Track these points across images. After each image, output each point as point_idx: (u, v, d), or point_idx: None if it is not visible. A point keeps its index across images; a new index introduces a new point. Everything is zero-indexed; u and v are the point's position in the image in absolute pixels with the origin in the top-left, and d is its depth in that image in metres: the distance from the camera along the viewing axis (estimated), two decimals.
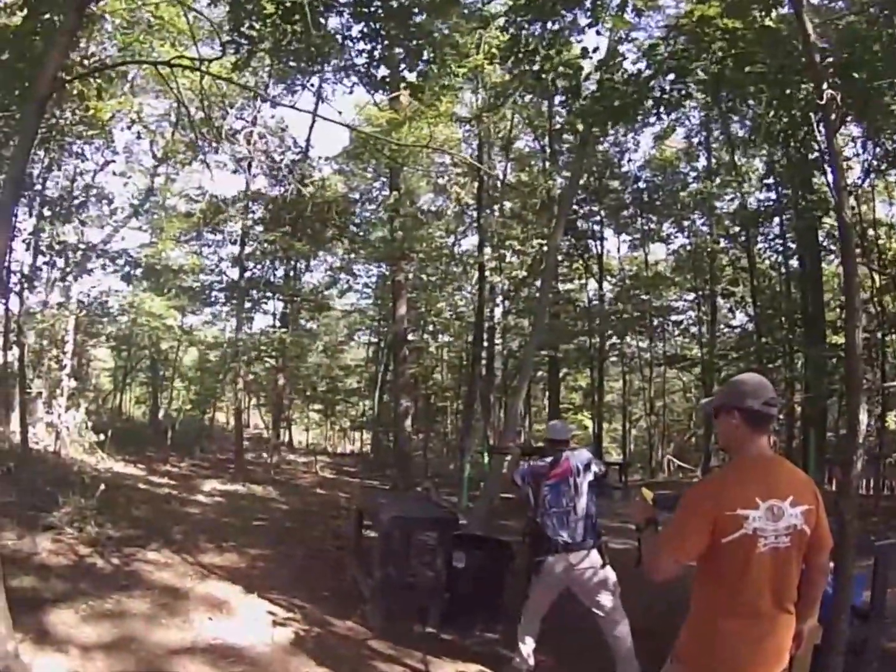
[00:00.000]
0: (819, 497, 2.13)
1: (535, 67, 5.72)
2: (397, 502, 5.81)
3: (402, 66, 7.17)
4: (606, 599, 3.79)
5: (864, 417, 3.35)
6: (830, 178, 3.89)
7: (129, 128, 10.16)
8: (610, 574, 3.84)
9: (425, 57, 6.28)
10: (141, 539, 6.59)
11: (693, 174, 18.33)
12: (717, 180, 17.01)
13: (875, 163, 12.22)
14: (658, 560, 2.09)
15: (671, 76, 6.13)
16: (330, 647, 4.29)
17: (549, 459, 4.00)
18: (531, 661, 3.98)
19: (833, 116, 3.36)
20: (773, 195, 15.10)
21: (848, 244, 3.44)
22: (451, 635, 4.60)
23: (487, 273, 15.59)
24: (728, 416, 2.16)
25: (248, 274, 13.53)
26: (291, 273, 17.11)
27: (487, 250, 15.76)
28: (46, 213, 9.35)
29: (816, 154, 10.65)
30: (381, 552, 4.77)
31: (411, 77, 6.90)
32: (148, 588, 5.17)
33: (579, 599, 3.92)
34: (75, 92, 8.16)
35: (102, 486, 7.47)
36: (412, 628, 4.66)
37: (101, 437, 12.57)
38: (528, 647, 3.97)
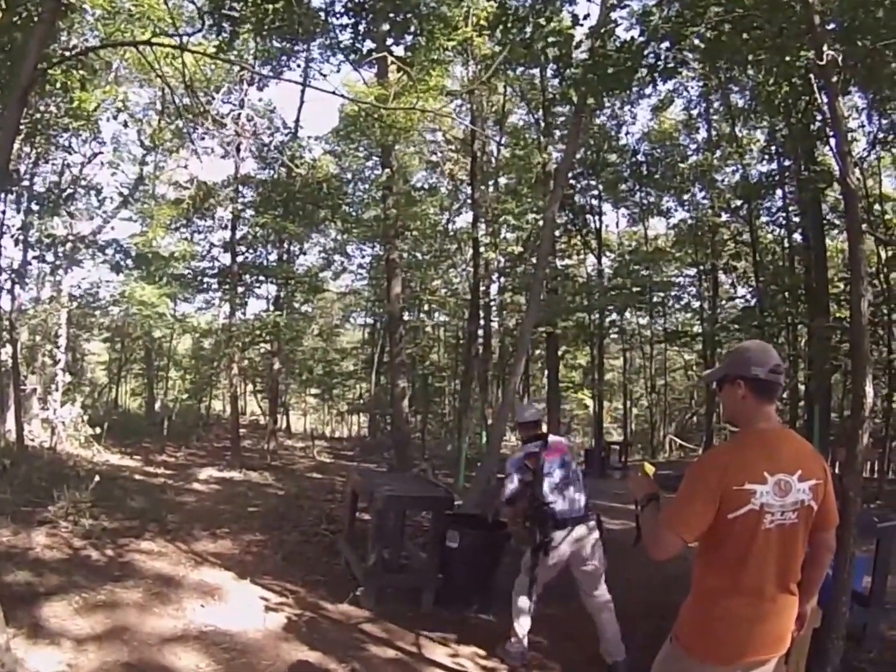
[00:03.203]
0: (828, 471, 2.05)
1: (525, 36, 5.53)
2: (392, 482, 5.73)
3: (390, 40, 7.01)
4: (599, 576, 3.91)
5: (869, 390, 3.22)
6: (833, 143, 3.70)
7: (115, 117, 9.92)
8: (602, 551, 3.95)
9: (412, 30, 6.11)
10: (135, 529, 6.57)
11: (693, 146, 18.07)
12: (718, 153, 16.80)
13: (881, 135, 12.04)
14: (661, 537, 1.97)
15: (666, 43, 5.96)
16: (322, 632, 4.24)
17: (538, 443, 3.99)
18: (526, 643, 3.95)
19: (835, 79, 3.20)
20: (774, 166, 14.86)
21: (852, 209, 3.30)
22: (445, 617, 4.55)
23: (483, 249, 15.39)
24: (733, 386, 2.05)
25: (240, 259, 13.34)
26: (285, 256, 16.95)
27: (482, 226, 15.52)
28: (35, 207, 9.18)
29: (819, 124, 10.46)
30: (375, 533, 4.70)
31: (399, 51, 6.75)
32: (141, 577, 5.12)
33: (574, 577, 3.95)
34: (58, 84, 7.99)
35: (97, 479, 7.41)
36: (406, 611, 4.61)
37: (97, 430, 12.61)
38: (523, 627, 3.94)
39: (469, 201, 15.96)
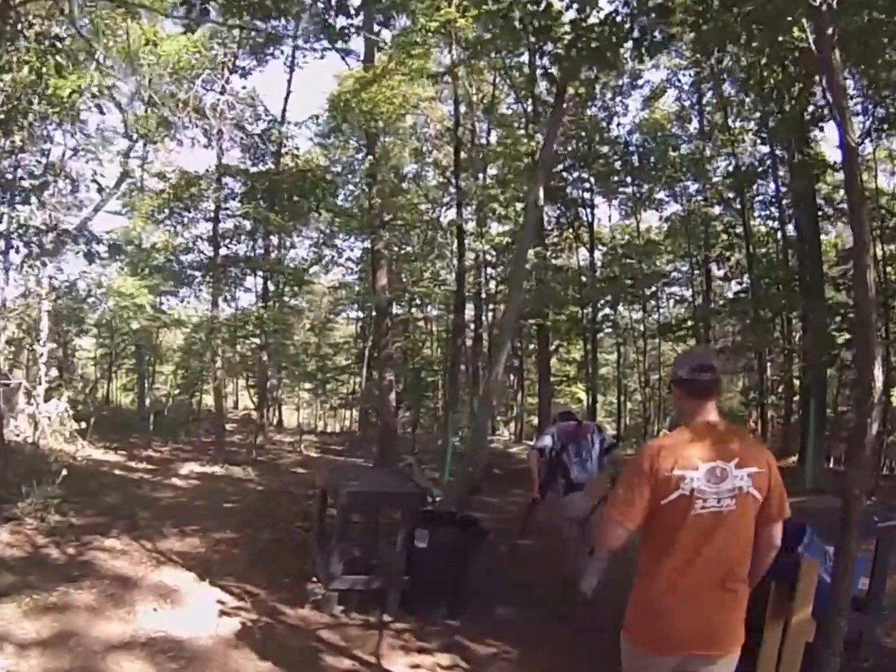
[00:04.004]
0: (772, 464, 2.06)
1: (502, 5, 5.23)
2: (363, 478, 5.45)
3: (377, 27, 6.76)
4: None
5: (878, 373, 2.85)
6: (830, 97, 3.41)
7: (96, 107, 9.61)
8: None
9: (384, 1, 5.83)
10: (103, 526, 6.33)
11: (685, 137, 17.74)
12: (710, 145, 16.53)
13: (876, 123, 11.76)
14: (603, 527, 2.07)
15: (652, 15, 5.67)
16: (277, 638, 3.98)
17: (574, 423, 5.12)
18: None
19: (830, 31, 2.91)
20: (766, 148, 14.56)
21: (852, 169, 3.01)
22: (409, 623, 4.27)
23: (471, 240, 15.07)
24: (672, 392, 2.23)
25: (224, 251, 13.04)
26: (272, 249, 16.67)
27: (468, 213, 15.12)
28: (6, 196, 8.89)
29: (813, 108, 10.22)
30: (340, 531, 4.44)
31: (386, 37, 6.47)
32: (98, 578, 4.88)
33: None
34: (31, 70, 7.69)
35: (64, 473, 7.15)
36: (370, 615, 4.34)
37: (82, 425, 12.40)
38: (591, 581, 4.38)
39: (453, 188, 15.55)
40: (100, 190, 9.99)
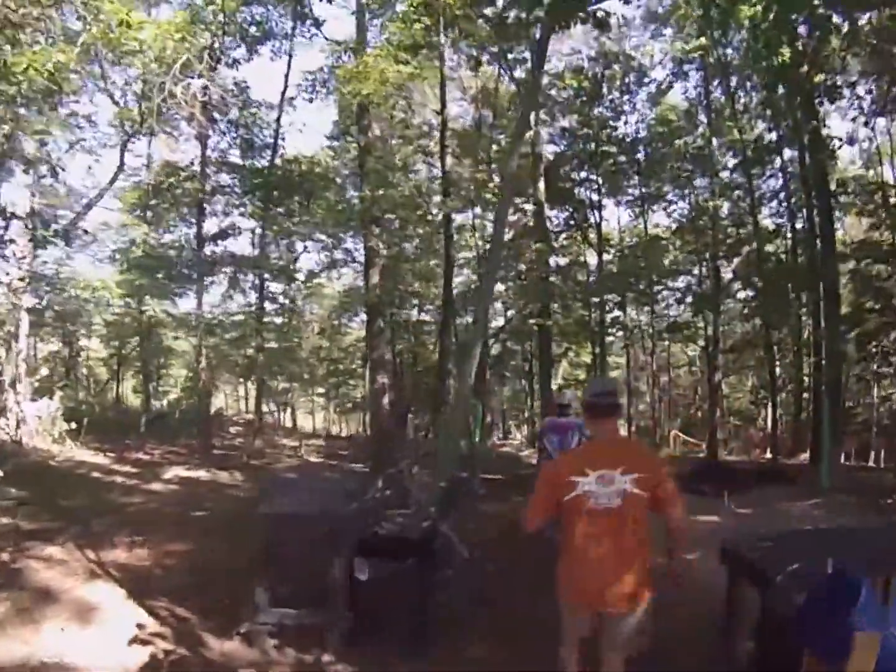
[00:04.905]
0: (658, 469, 2.68)
1: None
2: (296, 492, 4.93)
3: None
4: None
5: None
6: None
7: (72, 92, 9.36)
8: None
9: None
10: (52, 532, 6.06)
11: (692, 131, 17.09)
12: (717, 141, 15.94)
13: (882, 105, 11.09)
14: (523, 514, 2.72)
15: None
16: None
17: (562, 419, 6.08)
18: None
19: None
20: (773, 136, 13.86)
21: None
22: (355, 666, 3.67)
23: (468, 237, 14.52)
24: (583, 413, 2.88)
25: (217, 249, 12.73)
26: (278, 250, 16.38)
27: (459, 205, 14.49)
28: None
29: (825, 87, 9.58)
30: (268, 557, 3.96)
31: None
32: (21, 589, 4.58)
33: None
34: None
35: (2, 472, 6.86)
36: (307, 653, 3.76)
37: (72, 425, 12.20)
38: None
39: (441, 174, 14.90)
40: (100, 194, 9.68)
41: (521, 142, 6.74)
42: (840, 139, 11.31)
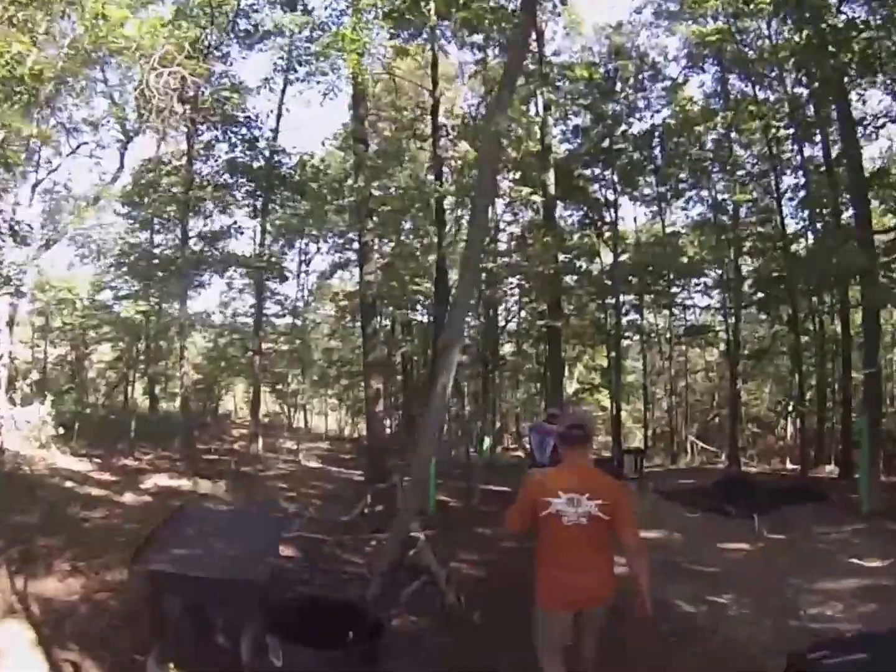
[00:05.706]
0: (619, 497, 3.11)
1: None
2: (210, 534, 3.79)
3: None
4: None
5: None
6: None
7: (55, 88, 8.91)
8: None
9: None
10: None
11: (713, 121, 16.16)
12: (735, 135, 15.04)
13: None
14: (507, 522, 3.26)
15: None
16: None
17: (548, 425, 7.03)
18: None
19: None
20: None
21: None
22: None
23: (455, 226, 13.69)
24: (557, 442, 3.47)
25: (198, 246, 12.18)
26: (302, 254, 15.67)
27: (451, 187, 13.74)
28: None
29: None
30: (154, 626, 3.20)
31: None
32: None
33: None
34: None
35: None
36: None
37: (60, 430, 11.79)
38: None
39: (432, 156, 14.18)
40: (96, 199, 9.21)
41: (506, 103, 5.92)
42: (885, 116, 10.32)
